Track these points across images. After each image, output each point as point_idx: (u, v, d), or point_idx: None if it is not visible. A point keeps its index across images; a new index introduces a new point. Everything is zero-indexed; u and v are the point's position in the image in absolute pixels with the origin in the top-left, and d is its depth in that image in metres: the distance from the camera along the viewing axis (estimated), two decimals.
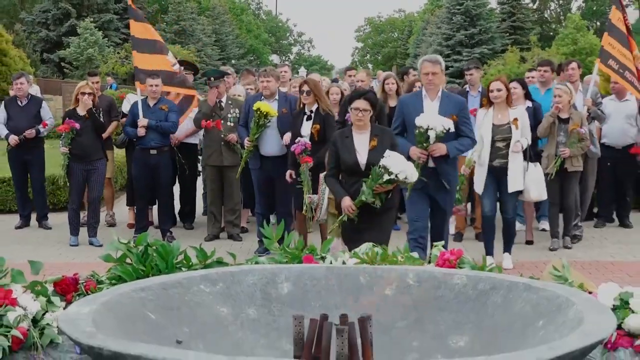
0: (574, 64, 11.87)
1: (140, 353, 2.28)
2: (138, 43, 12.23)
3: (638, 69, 11.64)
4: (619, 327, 3.50)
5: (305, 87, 9.97)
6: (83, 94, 11.18)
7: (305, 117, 9.97)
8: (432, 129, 7.93)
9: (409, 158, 7.96)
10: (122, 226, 12.54)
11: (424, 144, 8.05)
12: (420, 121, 8.03)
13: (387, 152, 7.14)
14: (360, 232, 7.33)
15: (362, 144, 7.59)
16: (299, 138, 9.59)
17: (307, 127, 9.88)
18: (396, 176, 7.02)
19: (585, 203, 11.78)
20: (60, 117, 13.72)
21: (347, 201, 7.45)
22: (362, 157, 7.56)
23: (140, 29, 12.28)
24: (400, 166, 7.05)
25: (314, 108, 9.92)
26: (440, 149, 8.15)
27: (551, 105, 10.84)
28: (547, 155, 10.58)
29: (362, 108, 7.46)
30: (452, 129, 8.09)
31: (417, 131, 8.05)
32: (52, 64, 53.66)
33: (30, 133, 12.25)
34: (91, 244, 11.21)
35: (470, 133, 8.62)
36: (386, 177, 7.05)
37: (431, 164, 8.27)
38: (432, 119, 8.01)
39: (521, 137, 9.51)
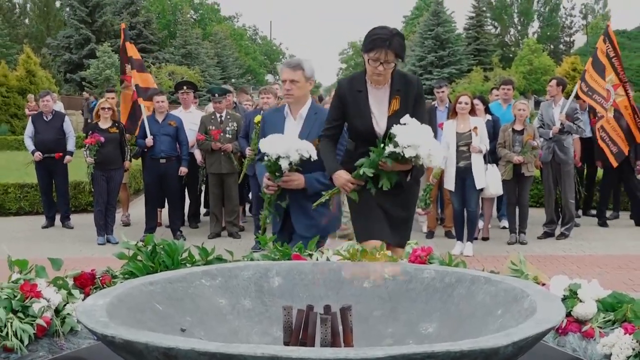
0: (553, 82, 11.75)
1: (148, 341, 2.28)
2: (134, 62, 12.38)
3: (609, 94, 11.67)
4: (569, 314, 3.50)
5: None
6: (103, 109, 11.26)
7: None
8: (284, 157, 5.23)
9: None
10: (135, 226, 12.51)
11: (276, 174, 5.39)
12: (266, 147, 5.32)
13: (406, 118, 4.55)
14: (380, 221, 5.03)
15: (379, 105, 5.07)
16: None
17: None
18: (402, 152, 4.41)
19: (568, 207, 11.46)
20: (81, 129, 13.78)
21: (342, 176, 4.95)
22: (380, 124, 5.06)
23: (133, 50, 12.43)
24: (412, 138, 4.36)
25: None
26: (294, 181, 5.40)
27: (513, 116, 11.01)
28: (504, 163, 10.75)
29: (383, 60, 4.85)
30: (314, 157, 5.23)
31: (265, 159, 5.36)
32: (74, 83, 53.80)
33: (58, 156, 12.43)
34: (108, 241, 11.21)
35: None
36: (390, 149, 4.46)
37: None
38: (282, 144, 5.27)
39: (480, 143, 9.90)
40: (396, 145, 4.38)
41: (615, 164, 12.25)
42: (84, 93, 34.85)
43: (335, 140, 5.35)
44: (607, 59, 11.62)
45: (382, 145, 4.58)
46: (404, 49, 5.02)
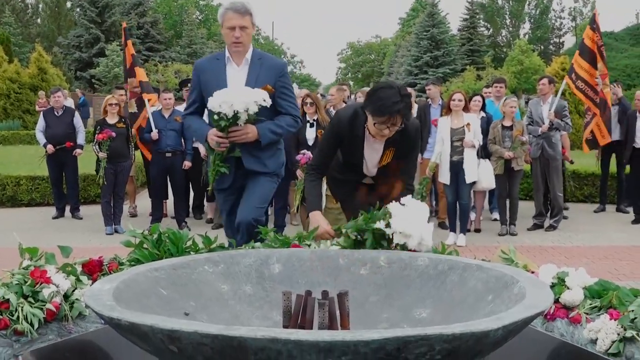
0: (544, 80, 11.69)
1: (153, 323, 2.27)
2: (137, 60, 12.46)
3: (597, 85, 11.58)
4: (557, 301, 3.50)
5: (309, 100, 10.11)
6: (111, 105, 11.28)
7: (308, 124, 10.06)
8: (245, 111, 4.85)
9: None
10: (142, 217, 12.52)
11: (225, 130, 4.99)
12: (217, 104, 4.87)
13: (408, 199, 3.88)
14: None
15: (373, 153, 4.90)
16: (305, 150, 9.43)
17: (311, 133, 9.99)
18: (391, 235, 3.78)
19: (557, 199, 11.47)
20: (91, 125, 13.82)
21: (322, 225, 4.55)
22: (370, 170, 5.02)
23: (132, 47, 12.50)
24: (406, 227, 3.74)
25: (315, 117, 10.03)
26: (247, 133, 5.04)
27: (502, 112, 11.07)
28: (495, 158, 10.76)
29: (390, 124, 4.51)
30: (269, 102, 4.95)
31: (215, 117, 4.94)
32: (84, 81, 53.74)
33: (69, 145, 12.43)
34: (116, 231, 11.22)
35: (292, 109, 5.32)
36: (381, 225, 3.80)
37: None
38: (237, 97, 4.85)
39: (473, 138, 9.95)
40: (388, 225, 3.77)
41: (586, 150, 12.30)
42: (77, 90, 34.79)
43: (323, 175, 5.12)
44: (597, 47, 11.54)
45: (374, 216, 3.88)
46: (411, 108, 4.65)
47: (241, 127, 4.98)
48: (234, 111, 4.84)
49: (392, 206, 3.84)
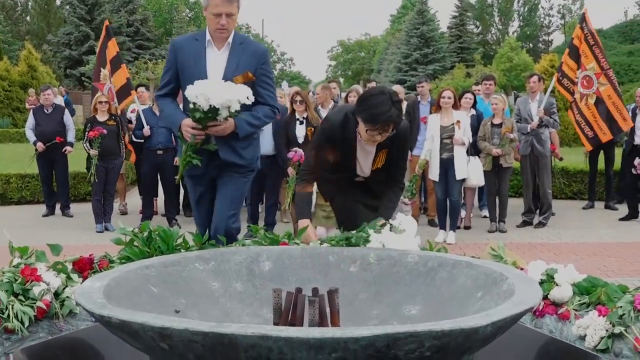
0: (535, 77, 11.73)
1: (143, 321, 2.27)
2: (121, 58, 12.58)
3: (591, 79, 11.72)
4: (546, 297, 3.51)
5: (298, 98, 10.06)
6: (101, 102, 11.26)
7: (298, 122, 10.02)
8: (225, 107, 4.61)
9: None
10: (132, 215, 12.49)
11: (203, 122, 4.71)
12: (194, 95, 4.59)
13: (399, 220, 4.04)
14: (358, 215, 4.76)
15: (366, 156, 4.79)
16: (296, 148, 9.39)
17: (301, 130, 9.95)
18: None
19: (546, 196, 11.51)
20: (81, 123, 13.79)
21: (310, 233, 4.53)
22: (364, 170, 4.89)
23: (115, 46, 12.57)
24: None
25: (305, 115, 9.99)
26: (227, 128, 4.78)
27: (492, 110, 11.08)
28: (484, 155, 10.79)
29: (382, 131, 4.42)
30: (252, 99, 4.65)
31: (191, 106, 4.65)
32: (74, 79, 53.63)
33: (59, 140, 12.35)
34: (106, 229, 11.19)
35: (271, 99, 5.09)
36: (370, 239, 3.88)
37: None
38: (216, 91, 4.57)
39: (463, 135, 9.98)
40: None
41: (589, 148, 12.38)
42: (61, 88, 34.67)
43: (314, 180, 5.01)
44: (587, 46, 11.63)
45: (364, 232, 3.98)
46: (402, 114, 4.61)
47: (220, 122, 4.74)
48: (210, 105, 4.59)
49: (382, 238, 3.82)
